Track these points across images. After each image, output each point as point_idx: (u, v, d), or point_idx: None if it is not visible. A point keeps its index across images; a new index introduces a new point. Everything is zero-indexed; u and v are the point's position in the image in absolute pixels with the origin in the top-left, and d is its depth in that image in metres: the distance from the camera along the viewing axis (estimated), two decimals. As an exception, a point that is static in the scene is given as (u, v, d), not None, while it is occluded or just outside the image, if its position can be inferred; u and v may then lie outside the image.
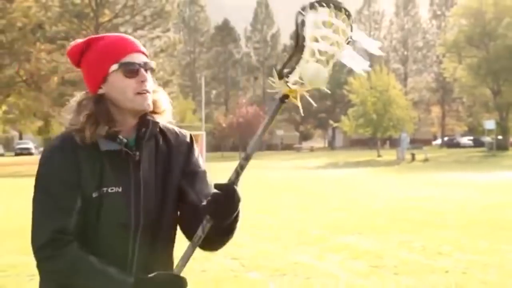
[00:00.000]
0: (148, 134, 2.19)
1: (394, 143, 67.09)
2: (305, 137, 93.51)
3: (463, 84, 66.25)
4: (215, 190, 1.98)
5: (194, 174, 2.30)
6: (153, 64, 2.26)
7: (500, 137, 62.10)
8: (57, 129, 59.40)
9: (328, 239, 10.77)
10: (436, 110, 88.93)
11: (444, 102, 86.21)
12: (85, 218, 2.10)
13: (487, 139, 64.39)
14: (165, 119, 2.32)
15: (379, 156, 55.02)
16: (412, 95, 70.84)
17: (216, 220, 2.00)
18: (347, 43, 1.93)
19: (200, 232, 2.03)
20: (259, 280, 7.67)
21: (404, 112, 56.98)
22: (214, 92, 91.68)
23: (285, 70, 1.88)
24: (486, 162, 45.80)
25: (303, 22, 1.84)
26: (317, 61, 1.86)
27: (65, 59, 53.86)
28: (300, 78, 1.88)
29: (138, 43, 2.23)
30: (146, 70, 2.19)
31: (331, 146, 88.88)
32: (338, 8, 1.89)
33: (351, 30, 1.95)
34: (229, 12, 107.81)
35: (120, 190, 2.12)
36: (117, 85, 2.14)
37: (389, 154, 54.31)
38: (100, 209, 2.11)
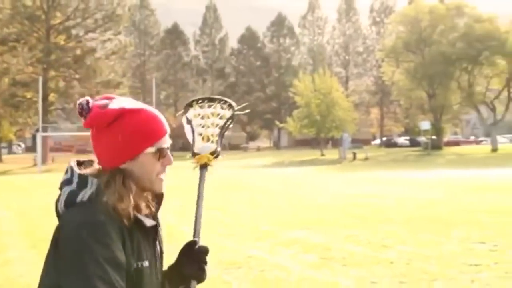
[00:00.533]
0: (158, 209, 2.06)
1: (336, 143, 67.75)
2: (251, 137, 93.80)
3: (401, 87, 67.33)
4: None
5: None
6: None
7: (434, 137, 63.38)
8: (8, 129, 58.06)
9: (278, 234, 10.90)
10: (375, 112, 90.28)
11: (383, 104, 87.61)
12: None
13: (422, 139, 65.69)
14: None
15: (322, 155, 55.58)
16: (353, 97, 71.73)
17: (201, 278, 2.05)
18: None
19: None
20: (216, 273, 7.73)
21: (346, 114, 57.65)
22: (163, 93, 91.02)
23: (194, 149, 2.19)
24: (422, 160, 46.76)
25: (187, 119, 2.28)
26: (203, 138, 2.25)
27: (16, 60, 53.11)
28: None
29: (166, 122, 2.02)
30: None
31: (277, 146, 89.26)
32: (210, 99, 2.31)
33: (229, 109, 2.30)
34: (178, 16, 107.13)
35: (147, 264, 1.94)
36: (146, 166, 1.95)
37: (331, 154, 54.91)
38: (136, 283, 1.90)
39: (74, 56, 53.16)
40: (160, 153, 1.96)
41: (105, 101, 1.94)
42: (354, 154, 50.03)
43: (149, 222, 1.94)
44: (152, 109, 1.99)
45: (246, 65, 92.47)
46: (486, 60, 62.03)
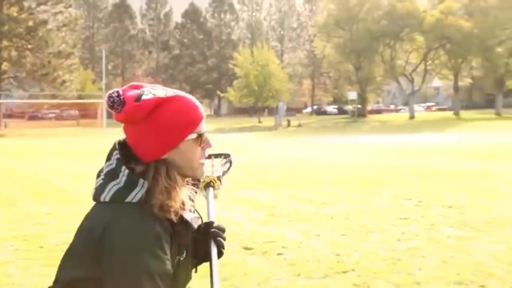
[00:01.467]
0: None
1: (272, 111, 68.10)
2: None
3: (331, 60, 68.05)
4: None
5: None
6: None
7: (359, 106, 64.53)
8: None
9: (231, 193, 10.98)
10: (307, 83, 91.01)
11: (314, 75, 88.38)
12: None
13: (349, 107, 66.78)
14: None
15: (260, 122, 55.81)
16: (288, 69, 71.87)
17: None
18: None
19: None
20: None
21: (281, 84, 57.90)
22: (111, 64, 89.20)
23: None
24: (349, 127, 47.58)
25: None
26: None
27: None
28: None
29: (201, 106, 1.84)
30: None
31: (217, 113, 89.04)
32: (218, 155, 2.47)
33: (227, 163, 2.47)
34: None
35: (185, 255, 1.82)
36: (189, 153, 1.79)
37: (268, 121, 55.20)
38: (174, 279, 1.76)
39: (27, 27, 51.21)
40: (201, 138, 1.81)
41: (136, 91, 1.73)
42: (289, 121, 50.46)
43: (190, 216, 1.80)
44: (187, 95, 1.80)
45: (189, 38, 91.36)
46: (407, 36, 63.26)
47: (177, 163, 1.76)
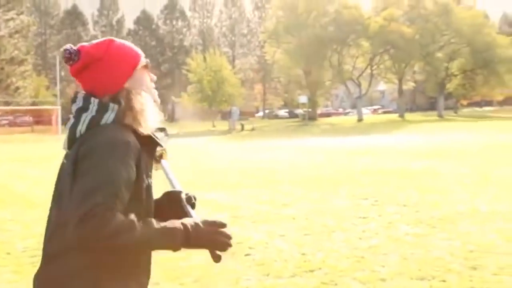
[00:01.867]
0: None
1: (225, 116, 68.01)
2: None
3: (281, 66, 68.37)
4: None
5: None
6: None
7: (310, 109, 65.10)
8: None
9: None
10: (258, 87, 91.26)
11: (265, 80, 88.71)
12: (138, 203, 1.89)
13: (300, 111, 67.30)
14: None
15: (214, 126, 55.67)
16: (240, 74, 72.02)
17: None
18: None
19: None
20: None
21: (234, 89, 57.93)
22: (65, 70, 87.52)
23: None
24: (300, 130, 47.92)
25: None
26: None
27: None
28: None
29: None
30: None
31: (171, 118, 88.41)
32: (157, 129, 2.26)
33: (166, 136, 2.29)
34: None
35: (151, 180, 2.01)
36: (143, 79, 2.03)
37: (222, 125, 55.12)
38: (145, 197, 1.94)
39: (-22, 34, 50.03)
40: (147, 65, 2.06)
41: (85, 43, 2.03)
42: (242, 125, 50.48)
43: (163, 141, 2.07)
44: (117, 39, 2.06)
45: (142, 45, 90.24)
46: (353, 42, 64.25)
47: (138, 90, 1.99)
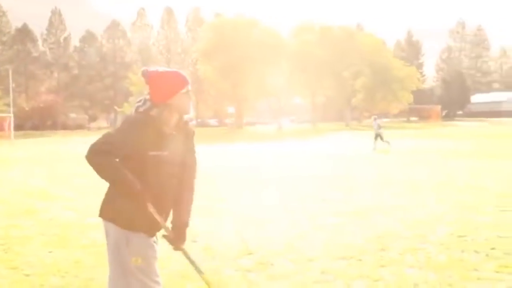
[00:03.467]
0: (183, 125, 3.06)
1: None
2: (93, 118, 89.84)
3: (211, 80, 68.42)
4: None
5: (189, 151, 3.15)
6: None
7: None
8: None
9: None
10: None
11: (198, 93, 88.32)
12: (144, 166, 2.82)
13: (228, 120, 67.53)
14: (189, 117, 3.11)
15: (152, 133, 55.06)
16: (175, 88, 71.00)
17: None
18: None
19: None
20: (98, 223, 7.55)
21: (171, 101, 57.52)
22: (16, 82, 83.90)
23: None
24: (229, 136, 48.03)
25: None
26: None
27: None
28: None
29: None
30: None
31: (113, 126, 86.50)
32: None
33: None
34: (27, 19, 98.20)
35: (167, 153, 2.90)
36: (182, 101, 2.96)
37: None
38: (155, 162, 2.84)
39: None
40: (187, 93, 2.95)
41: (152, 68, 3.01)
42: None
43: (168, 130, 2.91)
44: (179, 71, 2.99)
45: (86, 60, 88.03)
46: (274, 61, 65.16)
47: (177, 106, 2.93)
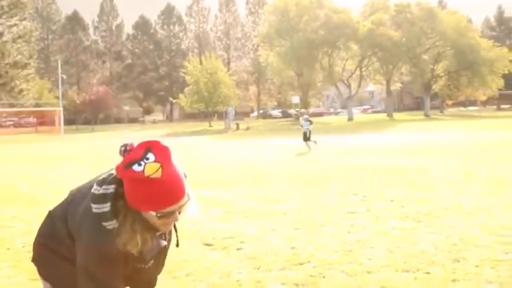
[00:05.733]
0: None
1: (221, 116, 67.89)
2: (147, 111, 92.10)
3: (274, 68, 68.39)
4: None
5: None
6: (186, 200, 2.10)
7: (303, 109, 65.11)
8: None
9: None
10: (253, 89, 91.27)
11: (259, 82, 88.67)
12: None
13: (292, 111, 67.27)
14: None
15: (210, 126, 55.64)
16: (235, 76, 71.93)
17: None
18: None
19: None
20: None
21: (229, 90, 57.85)
22: (67, 73, 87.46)
23: None
24: (293, 129, 47.79)
25: None
26: None
27: None
28: None
29: (184, 185, 2.07)
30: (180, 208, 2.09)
31: (170, 119, 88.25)
32: None
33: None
34: (77, 5, 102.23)
35: (151, 264, 2.33)
36: (151, 219, 2.05)
37: (218, 125, 55.11)
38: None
39: (-17, 40, 49.86)
40: (160, 216, 2.02)
41: (134, 157, 1.97)
42: (237, 124, 50.47)
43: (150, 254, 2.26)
44: (171, 180, 1.98)
45: (140, 48, 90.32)
46: (343, 45, 64.27)
47: (145, 218, 2.04)
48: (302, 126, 23.17)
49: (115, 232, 2.01)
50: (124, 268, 2.13)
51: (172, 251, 5.85)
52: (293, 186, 11.21)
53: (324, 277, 5.08)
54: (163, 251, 2.40)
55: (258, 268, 5.42)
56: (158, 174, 1.93)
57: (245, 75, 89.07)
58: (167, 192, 1.97)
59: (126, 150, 2.00)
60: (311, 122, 23.11)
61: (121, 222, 2.01)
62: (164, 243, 2.35)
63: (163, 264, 2.51)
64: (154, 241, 2.21)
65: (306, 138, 22.82)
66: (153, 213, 2.00)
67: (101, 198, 2.02)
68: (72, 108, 69.25)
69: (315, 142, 22.63)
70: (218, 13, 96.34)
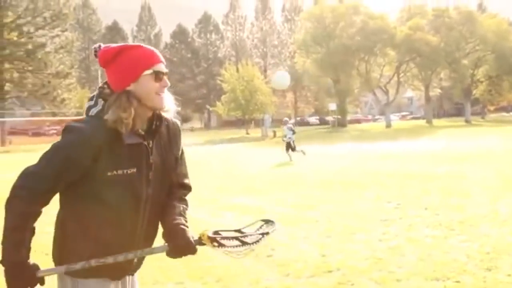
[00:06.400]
0: (158, 127, 2.30)
1: (258, 123, 67.98)
2: (185, 119, 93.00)
3: (310, 75, 68.17)
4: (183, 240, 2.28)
5: (178, 158, 2.44)
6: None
7: (339, 116, 64.70)
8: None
9: (219, 200, 10.94)
10: (290, 96, 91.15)
11: (296, 89, 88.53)
12: (100, 192, 2.15)
13: (330, 118, 66.95)
14: (170, 115, 2.38)
15: (247, 133, 55.76)
16: (271, 84, 71.97)
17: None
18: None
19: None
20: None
21: (266, 98, 57.87)
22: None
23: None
24: (330, 136, 47.59)
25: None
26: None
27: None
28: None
29: (161, 55, 2.27)
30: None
31: (207, 126, 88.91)
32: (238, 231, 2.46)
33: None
34: (117, 15, 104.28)
35: (135, 170, 2.18)
36: (146, 85, 2.18)
37: (255, 132, 55.20)
38: (116, 185, 2.15)
39: (26, 50, 51.17)
40: (156, 75, 2.21)
41: (109, 44, 2.26)
42: (274, 132, 50.38)
43: (129, 140, 2.17)
44: (149, 46, 2.25)
45: (178, 57, 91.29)
46: (379, 51, 63.70)
47: (138, 94, 2.17)
48: (285, 136, 21.72)
49: (105, 110, 2.15)
50: (94, 165, 2.10)
51: (202, 257, 5.96)
52: (327, 193, 11.18)
53: (352, 284, 5.08)
54: (149, 165, 2.24)
55: (287, 275, 5.45)
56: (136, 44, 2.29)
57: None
58: (151, 50, 2.23)
59: (97, 48, 2.26)
60: (294, 132, 21.89)
61: (114, 99, 2.16)
62: (151, 159, 2.24)
63: (160, 189, 2.32)
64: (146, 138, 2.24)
65: (291, 148, 21.33)
66: (149, 72, 2.18)
67: (91, 102, 2.24)
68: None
69: (303, 152, 21.32)
70: (255, 20, 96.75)
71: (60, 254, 2.28)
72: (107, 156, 2.12)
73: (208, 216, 9.11)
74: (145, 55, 2.21)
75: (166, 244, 2.28)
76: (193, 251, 2.30)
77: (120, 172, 2.15)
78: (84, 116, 2.22)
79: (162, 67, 2.23)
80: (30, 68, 51.36)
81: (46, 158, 2.14)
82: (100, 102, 2.19)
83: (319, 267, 5.66)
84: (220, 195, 11.56)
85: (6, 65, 51.38)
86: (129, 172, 2.17)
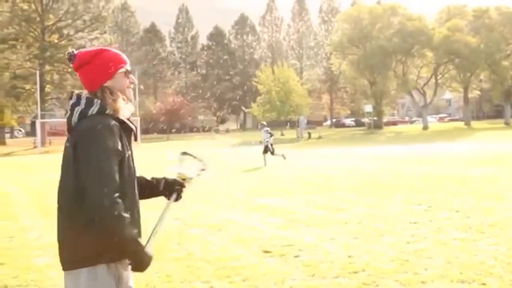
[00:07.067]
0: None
1: (293, 124, 67.93)
2: (221, 121, 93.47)
3: (347, 76, 67.88)
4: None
5: None
6: None
7: (376, 118, 64.17)
8: (10, 116, 57.14)
9: (250, 201, 11.04)
10: (325, 97, 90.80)
11: (332, 90, 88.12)
12: (127, 172, 2.47)
13: (366, 120, 66.47)
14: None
15: (282, 135, 55.79)
16: (307, 85, 71.83)
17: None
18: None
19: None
20: (200, 234, 7.86)
21: (301, 99, 57.88)
22: (144, 84, 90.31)
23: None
24: (366, 138, 47.32)
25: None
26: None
27: (16, 57, 52.10)
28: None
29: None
30: None
31: (243, 128, 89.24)
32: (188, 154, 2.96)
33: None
34: (154, 17, 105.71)
35: (130, 153, 2.54)
36: (120, 81, 2.56)
37: (290, 133, 55.21)
38: (129, 165, 2.50)
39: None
40: (127, 72, 2.59)
41: (82, 49, 2.59)
42: (309, 133, 50.43)
43: (131, 125, 2.54)
44: (113, 49, 2.62)
45: (215, 59, 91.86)
46: (417, 52, 62.96)
47: (115, 88, 2.52)
48: (263, 139, 21.23)
49: (102, 106, 2.44)
50: (123, 147, 2.41)
51: (230, 257, 6.09)
52: (358, 195, 11.18)
53: (377, 285, 5.11)
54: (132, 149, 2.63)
55: (312, 276, 5.51)
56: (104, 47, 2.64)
57: (317, 84, 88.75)
58: (119, 53, 2.62)
59: (72, 55, 2.52)
60: (271, 135, 21.39)
61: (101, 95, 2.46)
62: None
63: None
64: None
65: (268, 151, 20.90)
66: (122, 70, 2.55)
67: (80, 106, 2.46)
68: (149, 118, 71.41)
69: (283, 156, 20.87)
70: (291, 22, 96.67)
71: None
72: (122, 142, 2.44)
73: (238, 216, 9.23)
74: (116, 56, 2.58)
75: (168, 197, 2.80)
76: (183, 184, 2.82)
77: (128, 154, 2.49)
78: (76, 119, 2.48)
79: (129, 66, 2.63)
80: (69, 70, 52.53)
81: (100, 167, 2.30)
82: (96, 101, 2.44)
83: (344, 268, 5.71)
84: (251, 196, 11.67)
85: (47, 67, 52.69)
86: (129, 153, 2.52)
